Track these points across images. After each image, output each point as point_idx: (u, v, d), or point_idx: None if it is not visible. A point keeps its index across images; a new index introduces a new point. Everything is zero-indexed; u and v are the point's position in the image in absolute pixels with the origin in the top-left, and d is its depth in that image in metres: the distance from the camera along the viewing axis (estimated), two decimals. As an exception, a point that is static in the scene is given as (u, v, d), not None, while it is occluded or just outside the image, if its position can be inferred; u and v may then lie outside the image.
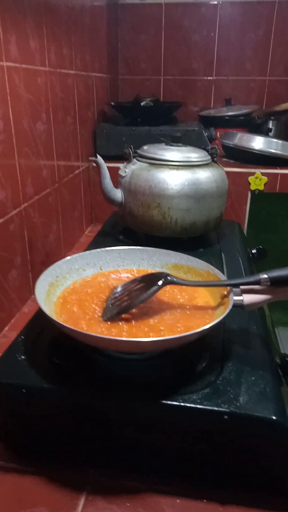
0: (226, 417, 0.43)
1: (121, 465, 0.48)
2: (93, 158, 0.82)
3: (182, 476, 0.47)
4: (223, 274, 0.59)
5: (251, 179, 1.21)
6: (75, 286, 0.60)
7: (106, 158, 0.90)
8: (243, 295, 0.53)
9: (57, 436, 0.50)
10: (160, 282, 0.54)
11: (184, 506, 0.44)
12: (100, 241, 0.89)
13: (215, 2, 1.50)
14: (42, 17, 0.82)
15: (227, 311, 0.49)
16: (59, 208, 0.99)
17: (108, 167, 0.86)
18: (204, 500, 0.44)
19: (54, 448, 0.50)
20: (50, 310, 0.53)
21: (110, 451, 0.49)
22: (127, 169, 0.84)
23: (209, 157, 0.85)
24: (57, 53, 0.90)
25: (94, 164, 0.87)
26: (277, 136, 1.33)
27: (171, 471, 0.47)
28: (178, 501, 0.44)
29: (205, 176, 0.81)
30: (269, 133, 1.30)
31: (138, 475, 0.47)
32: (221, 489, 0.45)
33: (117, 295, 0.56)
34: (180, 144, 0.85)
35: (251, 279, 0.52)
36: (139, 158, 0.84)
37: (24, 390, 0.47)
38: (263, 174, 1.21)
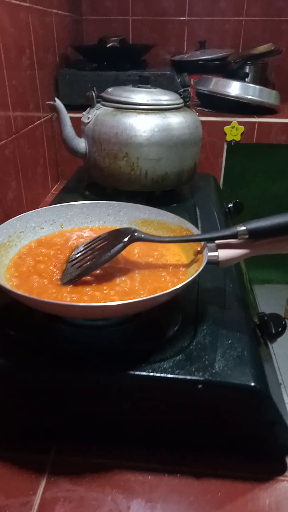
0: (200, 386, 0.39)
1: (86, 440, 0.43)
2: (51, 102, 0.72)
3: (153, 450, 0.43)
4: (197, 229, 0.53)
5: (227, 129, 1.14)
6: (31, 247, 0.53)
7: (71, 108, 0.80)
8: (219, 250, 0.47)
9: (13, 414, 0.45)
10: (126, 239, 0.47)
11: (156, 482, 0.40)
12: (64, 197, 0.81)
13: None
14: None
15: (201, 268, 0.44)
16: (18, 163, 0.89)
17: (72, 118, 0.77)
18: (178, 475, 0.40)
19: (10, 427, 0.45)
20: (0, 274, 0.46)
21: (73, 425, 0.44)
22: (90, 115, 0.75)
23: (181, 100, 0.77)
24: (4, -21, 0.78)
25: (56, 114, 0.77)
26: (254, 82, 1.24)
27: (141, 444, 0.43)
28: (149, 477, 0.40)
29: (177, 121, 0.73)
30: (246, 79, 1.21)
31: (105, 450, 0.43)
32: (195, 461, 0.42)
33: (78, 255, 0.50)
34: (149, 86, 0.76)
35: (227, 232, 0.47)
36: (104, 103, 0.75)
37: (-28, 366, 0.41)
38: (239, 123, 1.13)
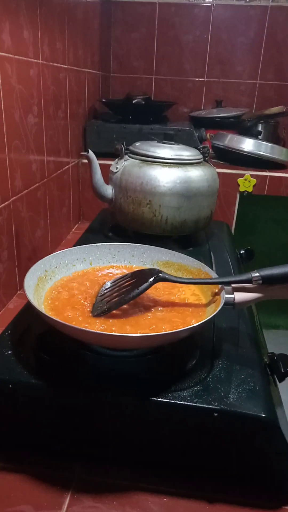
0: (216, 414, 0.43)
1: (107, 461, 0.47)
2: (85, 153, 0.81)
3: (169, 473, 0.46)
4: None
5: (240, 180, 1.22)
6: (64, 281, 0.59)
7: (96, 155, 0.89)
8: (234, 293, 0.53)
9: (43, 432, 0.49)
10: (151, 279, 0.53)
11: (172, 504, 0.43)
12: (89, 237, 0.88)
13: (209, 4, 1.50)
14: (37, 8, 0.80)
15: (219, 308, 0.49)
16: (47, 204, 0.97)
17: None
18: (191, 499, 0.44)
19: (39, 444, 0.49)
20: (39, 304, 0.52)
21: (96, 447, 0.48)
22: (118, 165, 0.83)
23: (201, 156, 0.85)
24: (50, 46, 0.89)
25: (85, 160, 0.86)
26: (266, 139, 1.34)
27: (158, 467, 0.46)
28: (165, 499, 0.44)
29: (197, 174, 0.81)
30: (259, 136, 1.31)
31: (125, 472, 0.46)
32: (208, 486, 0.45)
33: (107, 291, 0.55)
34: (173, 142, 0.85)
35: (243, 277, 0.52)
36: (131, 155, 0.84)
37: (10, 386, 0.46)
38: (252, 176, 1.21)
